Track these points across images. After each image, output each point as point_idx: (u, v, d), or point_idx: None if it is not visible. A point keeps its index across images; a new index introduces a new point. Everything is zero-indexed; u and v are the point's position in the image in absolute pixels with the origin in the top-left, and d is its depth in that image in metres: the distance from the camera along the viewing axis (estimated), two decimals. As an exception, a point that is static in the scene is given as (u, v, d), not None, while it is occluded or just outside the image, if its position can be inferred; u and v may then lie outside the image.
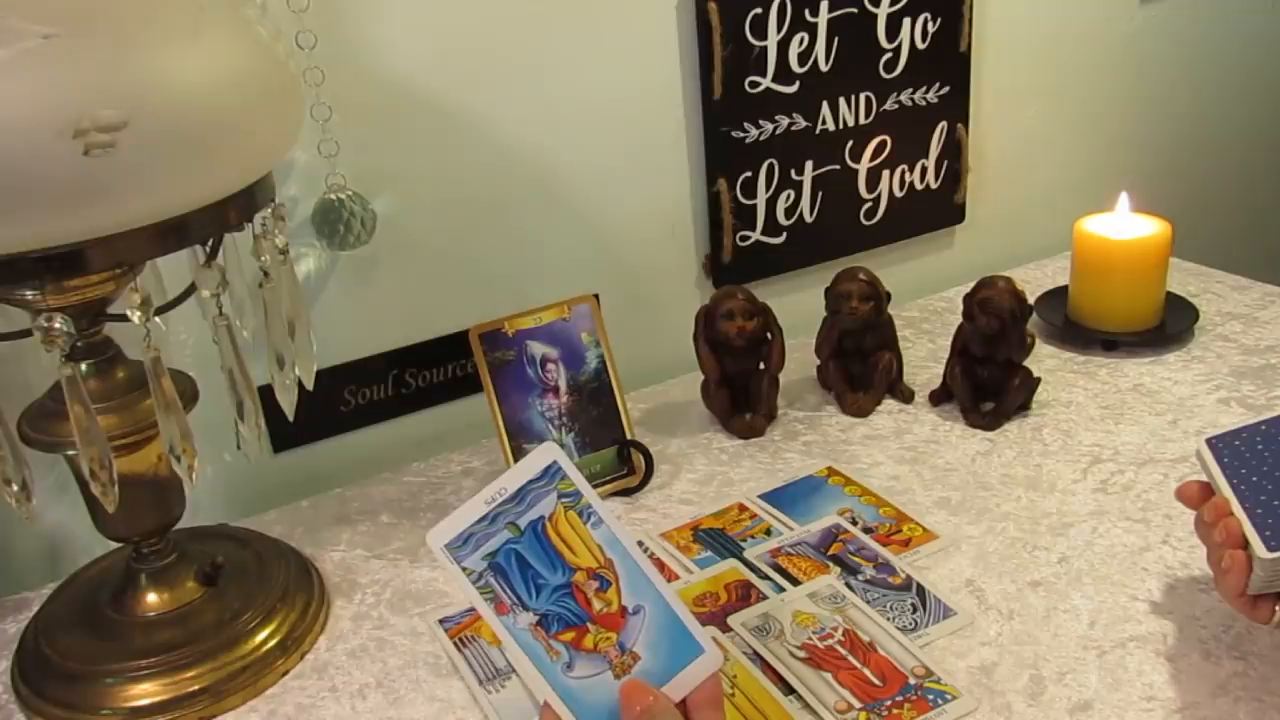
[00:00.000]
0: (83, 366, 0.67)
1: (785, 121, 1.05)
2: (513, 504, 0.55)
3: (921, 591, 0.74)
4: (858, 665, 0.68)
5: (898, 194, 1.15)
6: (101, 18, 0.52)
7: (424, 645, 0.73)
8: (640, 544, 0.80)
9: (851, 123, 1.09)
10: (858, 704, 0.65)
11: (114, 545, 0.77)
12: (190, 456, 0.64)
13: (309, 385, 0.72)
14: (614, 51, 0.97)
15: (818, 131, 1.08)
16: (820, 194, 1.10)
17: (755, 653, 0.69)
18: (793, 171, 1.08)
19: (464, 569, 0.53)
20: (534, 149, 0.96)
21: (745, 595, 0.75)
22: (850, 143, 1.10)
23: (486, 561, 0.54)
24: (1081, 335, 1.07)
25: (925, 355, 1.07)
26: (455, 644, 0.73)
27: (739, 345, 0.93)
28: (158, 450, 0.69)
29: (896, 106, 1.11)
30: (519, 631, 0.53)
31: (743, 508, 0.85)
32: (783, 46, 1.02)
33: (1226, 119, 1.44)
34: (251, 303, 0.73)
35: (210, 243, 0.65)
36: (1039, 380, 0.95)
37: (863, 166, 1.12)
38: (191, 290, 0.68)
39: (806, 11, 1.02)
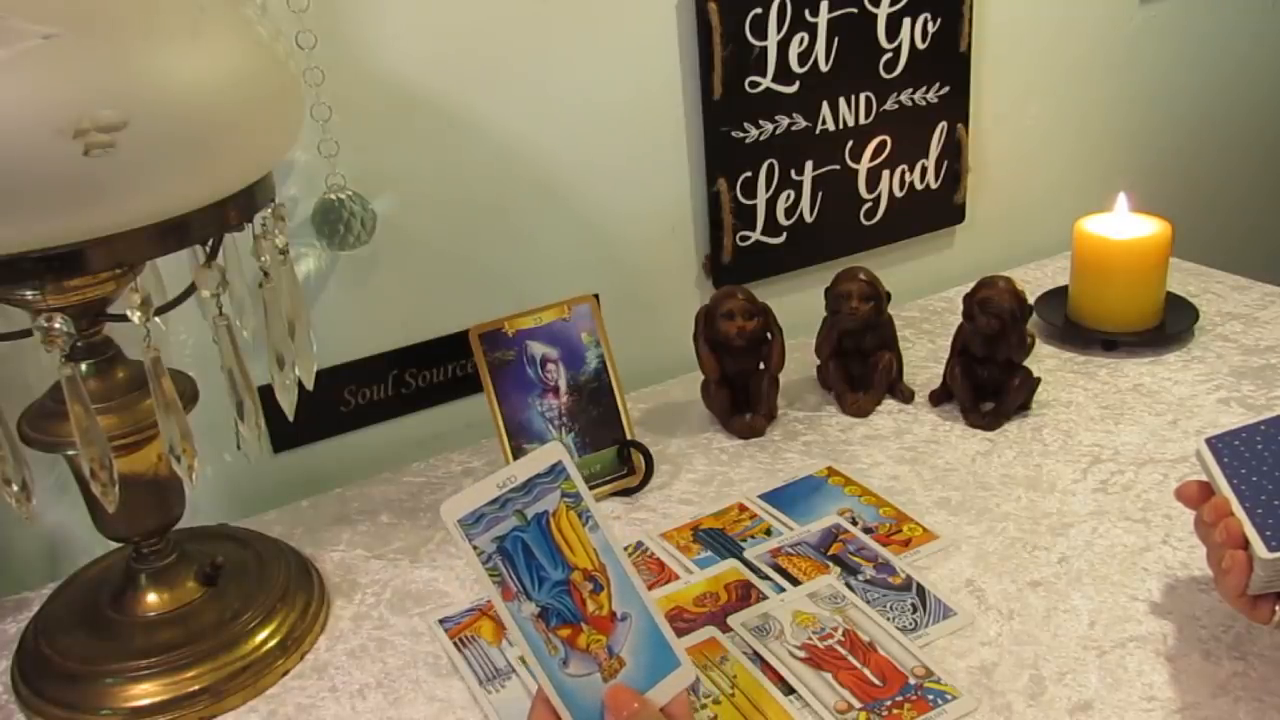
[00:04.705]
0: (83, 366, 0.67)
1: (785, 121, 1.05)
2: (521, 493, 0.55)
3: (921, 591, 0.74)
4: (858, 665, 0.68)
5: (898, 194, 1.15)
6: (101, 18, 0.52)
7: (424, 645, 0.73)
8: (627, 549, 0.80)
9: (851, 123, 1.09)
10: (858, 704, 0.65)
11: (114, 545, 0.77)
12: (190, 456, 0.64)
13: (309, 385, 0.72)
14: (614, 51, 0.97)
15: (818, 131, 1.08)
16: (820, 194, 1.10)
17: (755, 653, 0.69)
18: (793, 171, 1.08)
19: (475, 548, 0.54)
20: (534, 149, 0.96)
21: (745, 595, 0.75)
22: (850, 143, 1.10)
23: (496, 544, 0.54)
24: (1081, 335, 1.07)
25: (925, 355, 1.07)
26: (455, 644, 0.73)
27: (739, 345, 0.93)
28: (158, 450, 0.69)
29: (896, 106, 1.11)
30: (523, 620, 0.53)
31: (743, 508, 0.85)
32: (783, 46, 1.02)
33: (1226, 119, 1.44)
34: (251, 303, 0.73)
35: (210, 243, 0.65)
36: (1039, 380, 0.95)
37: (863, 166, 1.12)
38: (191, 290, 0.68)
39: (806, 11, 1.02)
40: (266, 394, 0.70)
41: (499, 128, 0.94)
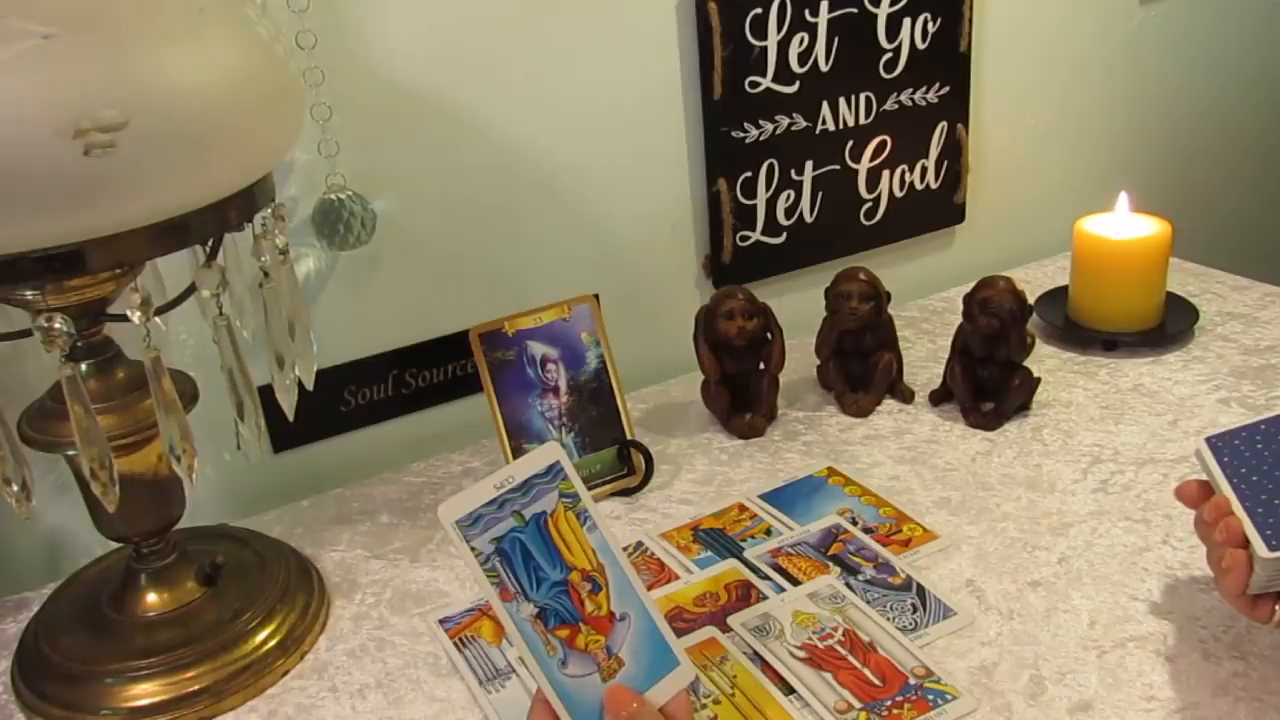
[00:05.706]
0: (83, 366, 0.67)
1: (785, 121, 1.05)
2: (519, 494, 0.55)
3: (921, 591, 0.74)
4: (858, 665, 0.68)
5: (898, 194, 1.15)
6: (101, 18, 0.52)
7: (424, 645, 0.74)
8: (627, 549, 0.80)
9: (851, 123, 1.09)
10: (858, 704, 0.65)
11: (114, 545, 0.77)
12: (190, 456, 0.64)
13: (309, 385, 0.72)
14: (614, 52, 0.97)
15: (818, 131, 1.08)
16: (820, 194, 1.10)
17: (755, 653, 0.69)
18: (793, 171, 1.08)
19: (473, 549, 0.54)
20: (534, 149, 0.96)
21: (745, 595, 0.75)
22: (850, 143, 1.10)
23: (494, 545, 0.54)
24: (1081, 335, 1.07)
25: (925, 355, 1.07)
26: (455, 644, 0.73)
27: (739, 345, 0.93)
28: (158, 450, 0.69)
29: (896, 106, 1.11)
30: (521, 621, 0.54)
31: (743, 508, 0.85)
32: (783, 46, 1.02)
33: (1226, 119, 1.44)
34: (251, 303, 0.73)
35: (210, 243, 0.65)
36: (1039, 380, 0.95)
37: (863, 166, 1.12)
38: (191, 290, 0.68)
39: (806, 11, 1.02)
40: (266, 394, 0.70)
41: (499, 127, 0.94)
